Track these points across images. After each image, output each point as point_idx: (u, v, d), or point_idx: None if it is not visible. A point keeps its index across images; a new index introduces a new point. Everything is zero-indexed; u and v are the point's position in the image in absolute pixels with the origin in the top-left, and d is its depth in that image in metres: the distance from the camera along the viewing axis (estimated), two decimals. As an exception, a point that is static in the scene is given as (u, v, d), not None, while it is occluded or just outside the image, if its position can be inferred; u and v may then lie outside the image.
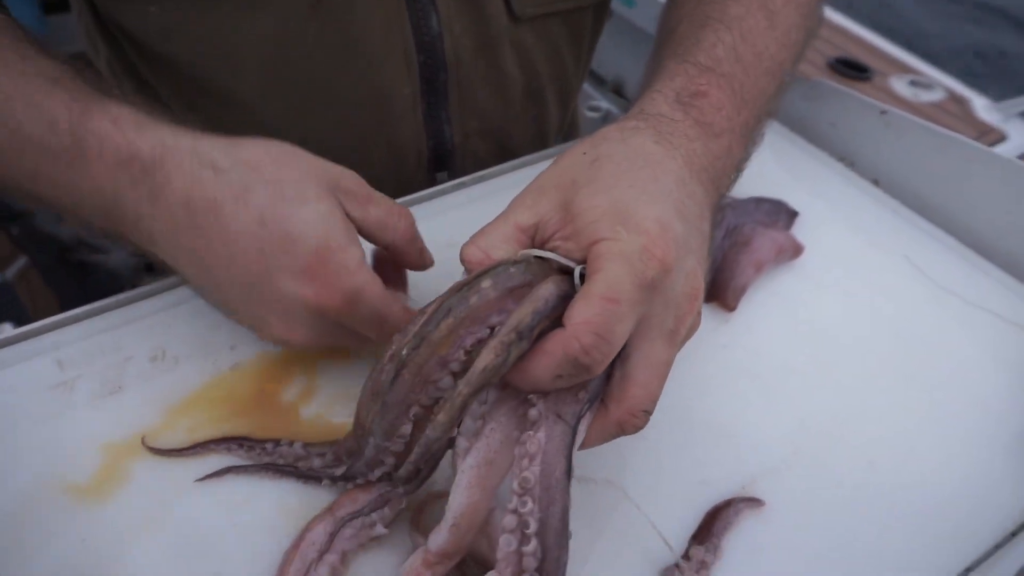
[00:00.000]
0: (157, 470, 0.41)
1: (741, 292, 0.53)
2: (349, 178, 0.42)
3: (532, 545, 0.31)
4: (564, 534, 0.32)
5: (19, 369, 0.45)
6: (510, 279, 0.33)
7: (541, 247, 0.36)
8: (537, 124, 0.72)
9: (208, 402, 0.44)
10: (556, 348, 0.32)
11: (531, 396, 0.34)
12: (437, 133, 0.64)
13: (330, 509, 0.38)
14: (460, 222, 0.43)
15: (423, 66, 0.60)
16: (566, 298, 0.33)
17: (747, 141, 0.46)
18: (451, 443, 0.34)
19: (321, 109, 0.59)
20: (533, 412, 0.33)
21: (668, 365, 0.35)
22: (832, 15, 1.71)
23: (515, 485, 0.32)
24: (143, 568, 0.37)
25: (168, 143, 0.39)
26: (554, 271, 0.35)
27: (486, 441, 0.33)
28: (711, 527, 0.41)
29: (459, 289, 0.33)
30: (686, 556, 0.40)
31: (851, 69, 1.56)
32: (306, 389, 0.45)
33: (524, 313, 0.32)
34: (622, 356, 0.34)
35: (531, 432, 0.33)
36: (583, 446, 0.35)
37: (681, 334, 0.35)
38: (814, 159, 0.70)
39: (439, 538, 0.32)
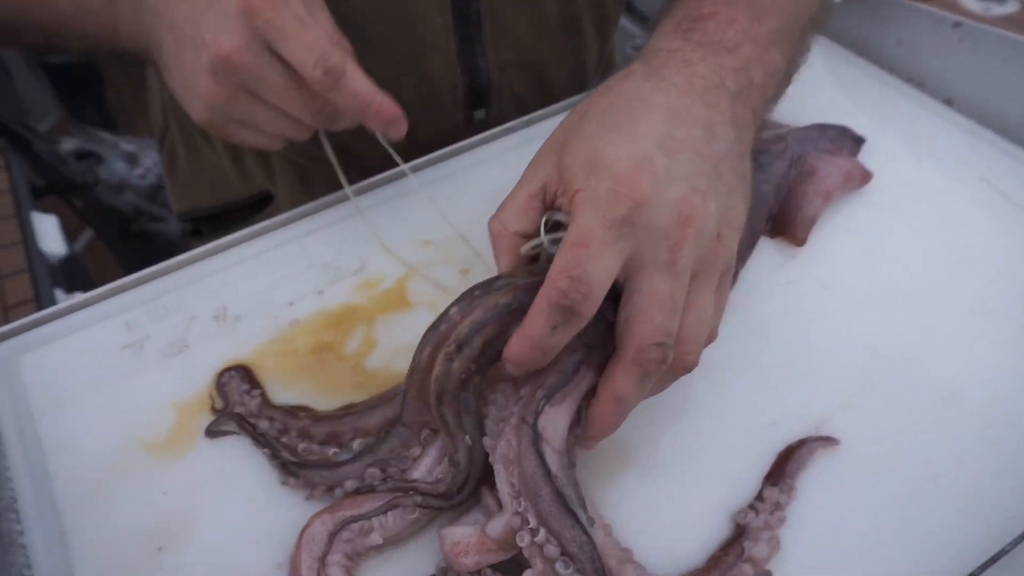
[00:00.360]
0: (228, 425, 0.42)
1: (810, 224, 0.51)
2: None
3: (542, 535, 0.33)
4: (566, 516, 0.33)
5: (90, 332, 0.46)
6: (473, 301, 0.36)
7: (549, 205, 0.37)
8: (575, 57, 0.69)
9: (272, 357, 0.45)
10: (540, 301, 0.33)
11: (511, 407, 0.36)
12: (472, 67, 0.62)
13: (330, 508, 0.36)
14: (510, 167, 0.41)
15: None
16: (521, 309, 0.35)
17: (782, 49, 0.44)
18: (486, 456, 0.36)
19: (350, 42, 0.57)
20: (512, 419, 0.36)
21: (672, 296, 0.34)
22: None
23: (508, 489, 0.34)
24: (221, 522, 0.38)
25: None
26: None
27: (503, 442, 0.35)
28: (784, 467, 0.40)
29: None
30: (760, 498, 0.39)
31: (916, -15, 1.46)
32: (365, 342, 0.45)
33: (463, 326, 0.35)
34: (623, 299, 0.35)
35: (508, 439, 0.35)
36: (631, 406, 0.36)
37: (680, 263, 0.34)
38: (880, 82, 0.66)
39: (498, 526, 0.34)
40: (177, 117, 0.74)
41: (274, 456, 0.39)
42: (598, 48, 0.72)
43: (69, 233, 1.81)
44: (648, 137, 0.35)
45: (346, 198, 0.53)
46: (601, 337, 0.36)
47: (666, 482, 0.40)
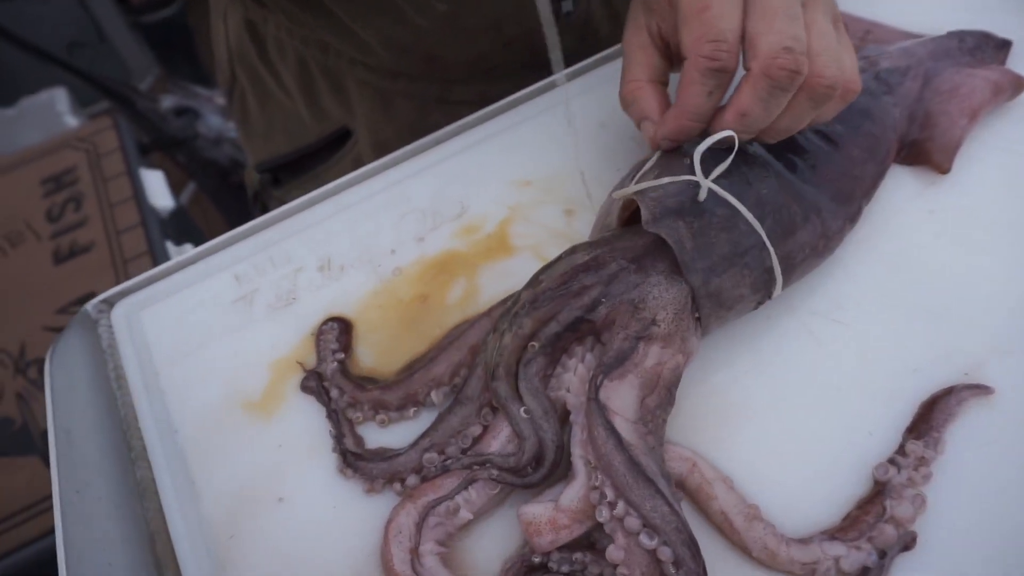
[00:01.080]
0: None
1: (955, 149, 0.45)
2: None
3: (620, 507, 0.32)
4: (645, 486, 0.32)
5: (202, 287, 0.47)
6: (533, 283, 0.38)
7: (663, 43, 0.40)
8: None
9: (376, 309, 0.44)
10: (691, 73, 0.36)
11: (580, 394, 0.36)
12: None
13: (410, 496, 0.35)
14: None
15: None
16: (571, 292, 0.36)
17: None
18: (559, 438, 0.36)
19: None
20: (579, 403, 0.36)
21: (788, 7, 0.35)
22: None
23: (582, 464, 0.34)
24: (309, 483, 0.38)
25: None
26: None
27: (576, 417, 0.35)
28: (929, 419, 0.36)
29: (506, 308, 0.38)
30: (902, 452, 0.36)
31: None
32: (467, 291, 0.44)
33: (518, 306, 0.37)
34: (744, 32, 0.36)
35: (579, 414, 0.35)
36: (759, 125, 0.37)
37: None
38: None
39: (570, 498, 0.33)
40: (245, 64, 0.74)
41: (337, 442, 0.39)
42: None
43: (174, 187, 1.90)
44: None
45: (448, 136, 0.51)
46: (666, 310, 0.36)
47: (795, 434, 0.37)
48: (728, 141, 0.37)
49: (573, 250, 0.38)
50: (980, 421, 0.37)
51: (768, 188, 0.38)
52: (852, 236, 0.44)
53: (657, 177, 0.37)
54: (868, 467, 0.36)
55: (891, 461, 0.35)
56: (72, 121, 1.90)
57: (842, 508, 0.35)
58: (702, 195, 0.36)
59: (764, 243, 0.36)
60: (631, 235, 0.37)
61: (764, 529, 0.33)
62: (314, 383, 0.41)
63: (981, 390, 0.37)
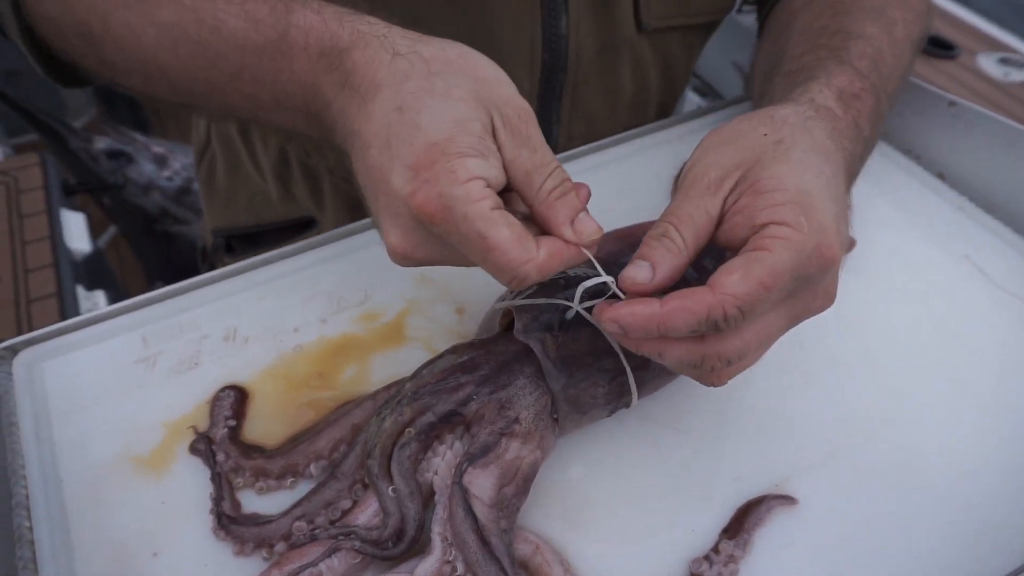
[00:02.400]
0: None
1: None
2: (518, 107, 0.39)
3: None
4: (491, 564, 0.37)
5: (109, 344, 0.50)
6: (416, 375, 0.43)
7: (720, 219, 0.38)
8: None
9: (272, 381, 0.48)
10: (701, 308, 0.34)
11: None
12: (545, 132, 0.65)
13: (277, 562, 0.38)
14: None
15: (545, 64, 0.62)
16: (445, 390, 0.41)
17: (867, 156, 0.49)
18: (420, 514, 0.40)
19: None
20: (444, 486, 0.40)
21: (773, 338, 0.38)
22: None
23: (439, 540, 0.38)
24: (185, 542, 0.41)
25: (363, 30, 0.39)
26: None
27: (439, 497, 0.40)
28: (742, 522, 0.43)
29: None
30: (715, 549, 0.41)
31: (935, 47, 1.49)
32: (360, 372, 0.48)
33: (400, 396, 0.42)
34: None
35: (442, 499, 0.40)
36: (658, 361, 0.38)
37: (802, 318, 0.38)
38: (876, 150, 0.69)
39: (424, 570, 0.38)
40: (220, 133, 0.77)
41: (215, 504, 0.41)
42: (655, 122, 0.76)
43: (94, 229, 1.87)
44: (840, 202, 0.39)
45: (357, 231, 0.56)
46: (528, 410, 0.41)
47: (630, 527, 0.43)
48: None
49: (454, 349, 0.43)
50: (784, 526, 0.43)
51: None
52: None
53: (535, 295, 0.43)
54: (688, 559, 0.41)
55: (706, 557, 0.41)
56: (-3, 150, 1.87)
57: (662, 596, 0.40)
58: (569, 314, 0.42)
59: (622, 364, 0.42)
60: (506, 341, 0.43)
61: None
62: (203, 446, 0.44)
63: (787, 500, 0.44)
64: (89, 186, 1.69)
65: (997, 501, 0.44)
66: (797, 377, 0.50)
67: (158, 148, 1.87)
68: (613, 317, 0.35)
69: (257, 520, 0.41)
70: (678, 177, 0.44)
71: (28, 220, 1.39)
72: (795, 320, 0.38)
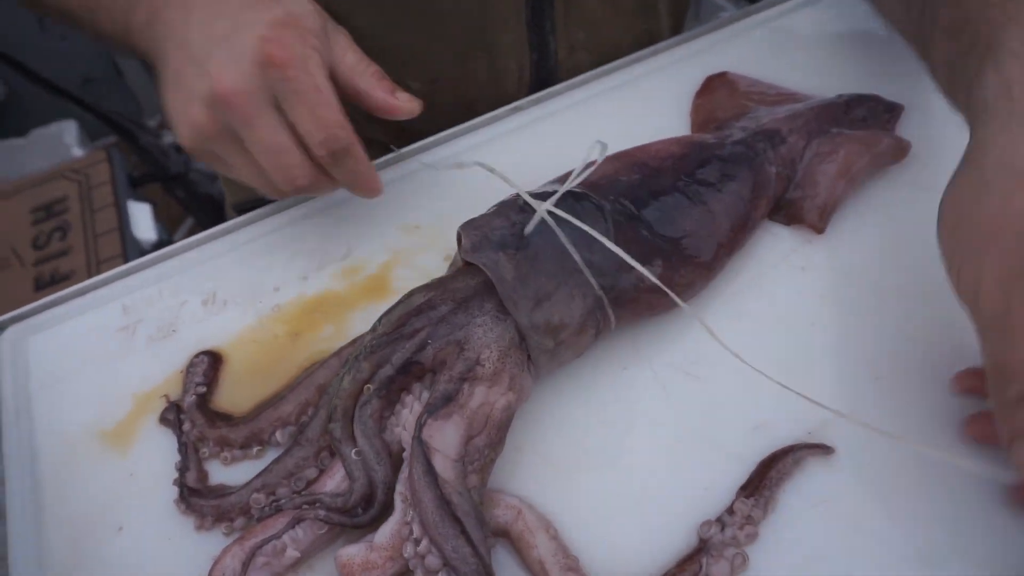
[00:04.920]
0: (199, 409, 0.42)
1: (828, 211, 0.46)
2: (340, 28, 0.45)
3: (424, 544, 0.32)
4: (450, 525, 0.32)
5: (91, 315, 0.48)
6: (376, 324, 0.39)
7: None
8: (649, 39, 0.66)
9: (251, 344, 0.45)
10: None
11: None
12: (541, 45, 0.60)
13: (240, 538, 0.35)
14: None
15: None
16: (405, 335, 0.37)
17: None
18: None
19: (417, 16, 0.57)
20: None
21: None
22: None
23: (400, 500, 0.35)
24: (149, 516, 0.39)
25: None
26: None
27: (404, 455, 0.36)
28: (764, 477, 0.36)
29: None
30: (730, 510, 0.35)
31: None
32: (337, 330, 0.45)
33: (357, 348, 0.38)
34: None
35: (405, 451, 0.36)
36: None
37: None
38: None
39: (384, 535, 0.34)
40: None
41: (180, 474, 0.39)
42: (670, 30, 0.68)
43: (171, 222, 1.94)
44: None
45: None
46: (490, 348, 0.36)
47: (633, 487, 0.37)
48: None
49: (411, 293, 0.38)
50: (817, 481, 0.36)
51: (599, 228, 0.38)
52: (720, 291, 0.44)
53: (494, 213, 0.38)
54: (698, 523, 0.35)
55: (718, 519, 0.35)
56: (79, 153, 1.96)
57: (665, 565, 0.34)
58: (529, 228, 0.37)
59: (587, 275, 0.37)
60: (466, 276, 0.38)
61: (579, 581, 0.33)
62: (172, 415, 0.41)
63: (821, 449, 0.37)
64: (159, 177, 1.75)
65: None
66: (835, 310, 0.43)
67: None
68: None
69: (218, 493, 0.38)
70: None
71: (99, 214, 1.45)
72: None
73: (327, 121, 0.40)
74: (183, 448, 0.40)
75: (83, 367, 0.45)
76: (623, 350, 0.42)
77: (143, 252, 1.40)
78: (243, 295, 0.48)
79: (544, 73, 0.62)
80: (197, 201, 1.90)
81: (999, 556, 0.33)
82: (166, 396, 0.43)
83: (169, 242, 1.71)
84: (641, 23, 0.64)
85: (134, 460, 0.41)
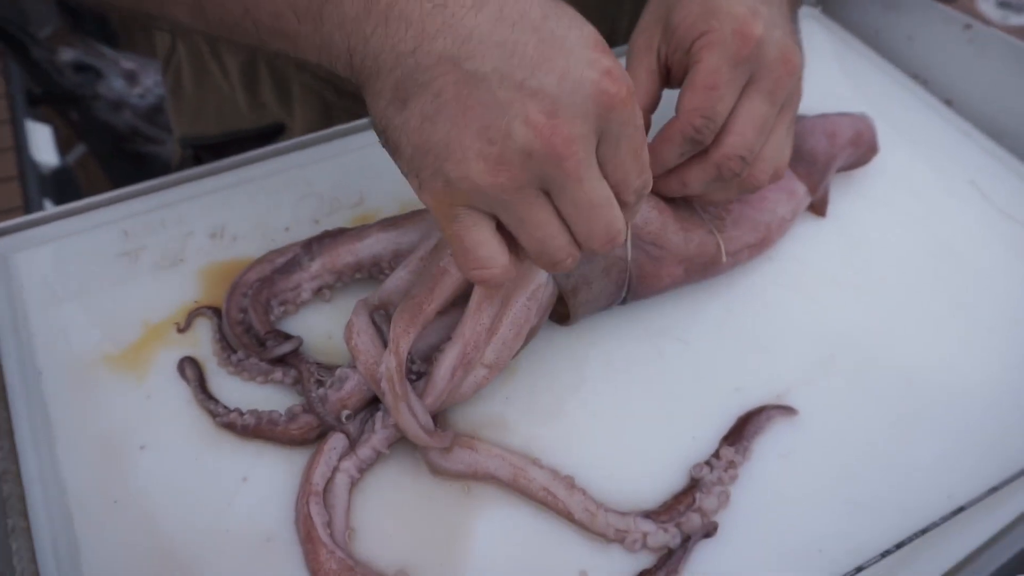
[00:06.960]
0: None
1: (823, 171, 0.52)
2: None
3: None
4: None
5: (87, 237, 0.47)
6: None
7: (666, 70, 0.43)
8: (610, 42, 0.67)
9: (264, 280, 0.46)
10: (674, 134, 0.39)
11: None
12: None
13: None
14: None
15: None
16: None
17: None
18: None
19: None
20: None
21: (764, 118, 0.40)
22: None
23: None
24: (173, 433, 0.40)
25: None
26: None
27: None
28: (743, 430, 0.42)
29: None
30: (716, 455, 0.41)
31: (935, -14, 1.45)
32: (356, 273, 0.47)
33: None
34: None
35: None
36: (688, 193, 0.43)
37: (780, 94, 0.40)
38: (885, 75, 0.67)
39: None
40: (187, 38, 0.73)
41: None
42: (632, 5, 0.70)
43: (61, 146, 1.79)
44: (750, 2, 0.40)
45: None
46: None
47: (630, 434, 0.42)
48: None
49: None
50: (783, 436, 0.43)
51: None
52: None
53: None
54: (688, 466, 0.41)
55: (707, 463, 0.41)
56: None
57: (662, 498, 0.40)
58: None
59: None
60: None
61: (584, 495, 0.38)
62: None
63: (787, 411, 0.44)
64: (56, 98, 1.61)
65: (993, 415, 0.44)
66: (797, 294, 0.50)
67: (128, 63, 1.78)
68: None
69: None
70: None
71: (-9, 129, 1.33)
72: (774, 97, 0.40)
73: (646, 163, 0.33)
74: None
75: (85, 289, 0.45)
76: (631, 321, 0.47)
77: (41, 176, 1.29)
78: (253, 231, 0.48)
79: None
80: (94, 129, 1.77)
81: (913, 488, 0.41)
82: (177, 324, 0.43)
83: (67, 168, 1.58)
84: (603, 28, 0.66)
85: (152, 383, 0.41)
